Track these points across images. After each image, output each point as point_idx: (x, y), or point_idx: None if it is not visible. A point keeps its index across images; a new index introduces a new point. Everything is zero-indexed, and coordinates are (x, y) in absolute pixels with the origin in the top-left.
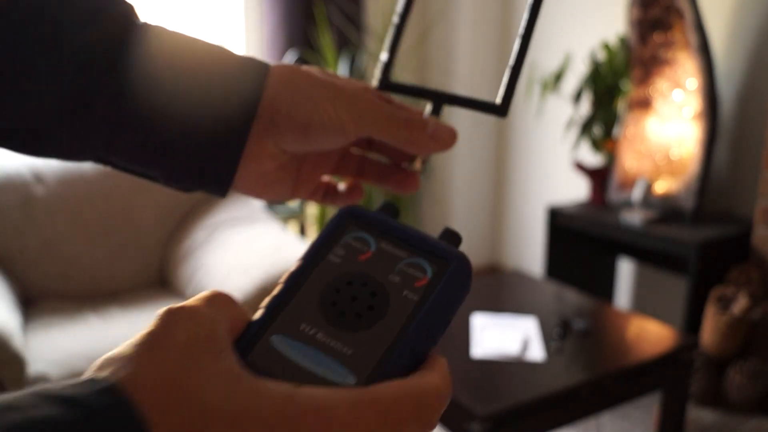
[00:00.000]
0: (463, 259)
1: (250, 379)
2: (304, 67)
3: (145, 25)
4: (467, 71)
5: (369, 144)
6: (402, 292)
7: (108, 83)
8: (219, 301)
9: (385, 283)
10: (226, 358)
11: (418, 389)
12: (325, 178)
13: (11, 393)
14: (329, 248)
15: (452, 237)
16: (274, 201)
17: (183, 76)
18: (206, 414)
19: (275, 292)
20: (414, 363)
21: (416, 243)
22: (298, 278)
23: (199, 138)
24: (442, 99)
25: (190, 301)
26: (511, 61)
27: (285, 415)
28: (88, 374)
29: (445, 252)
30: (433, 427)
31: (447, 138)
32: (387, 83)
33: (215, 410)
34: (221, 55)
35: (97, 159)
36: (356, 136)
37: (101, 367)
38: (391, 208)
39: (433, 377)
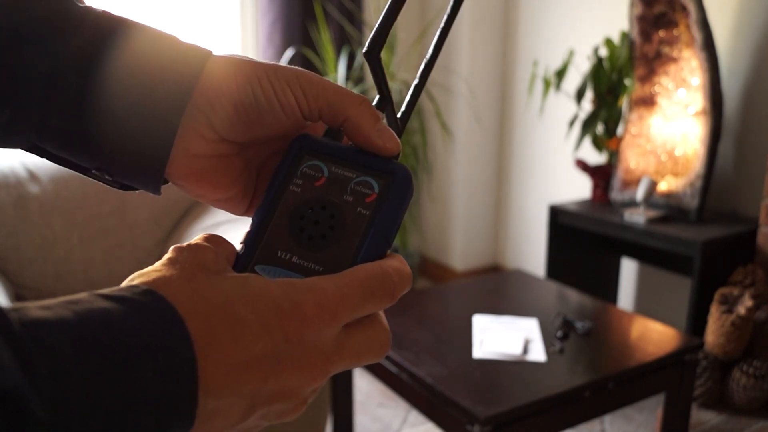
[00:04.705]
0: (404, 171)
1: (256, 277)
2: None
3: (87, 8)
4: (467, 70)
5: None
6: (356, 209)
7: (43, 64)
8: (215, 239)
9: (341, 204)
10: (232, 271)
11: (383, 268)
12: None
13: (69, 295)
14: (290, 179)
15: None
16: (227, 208)
17: (122, 59)
18: (226, 300)
19: (249, 227)
20: None
21: (362, 162)
22: (268, 211)
23: (132, 123)
24: (387, 101)
25: (191, 241)
26: (417, 78)
27: (289, 297)
28: (123, 285)
29: (388, 166)
30: (395, 300)
31: (390, 139)
32: (376, 55)
33: (234, 297)
34: (165, 40)
35: (29, 146)
36: (301, 110)
37: (132, 281)
38: (334, 133)
39: (393, 261)
